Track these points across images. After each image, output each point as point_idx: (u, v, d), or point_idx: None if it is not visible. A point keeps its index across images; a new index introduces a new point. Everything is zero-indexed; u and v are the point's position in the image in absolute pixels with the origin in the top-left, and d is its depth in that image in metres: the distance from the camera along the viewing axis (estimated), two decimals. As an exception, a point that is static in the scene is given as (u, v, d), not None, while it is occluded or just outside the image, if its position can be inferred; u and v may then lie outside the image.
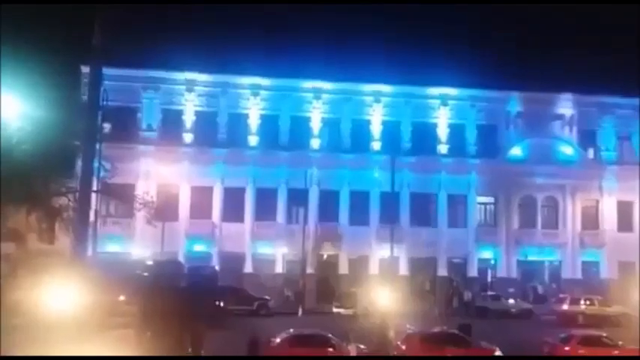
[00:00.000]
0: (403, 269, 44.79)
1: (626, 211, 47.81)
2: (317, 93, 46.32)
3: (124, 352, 16.52)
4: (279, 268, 44.65)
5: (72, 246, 11.70)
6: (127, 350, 17.94)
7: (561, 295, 39.00)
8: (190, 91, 45.36)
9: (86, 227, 12.36)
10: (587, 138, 48.77)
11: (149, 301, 23.65)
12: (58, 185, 26.13)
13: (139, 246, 40.94)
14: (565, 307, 36.72)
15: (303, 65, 44.87)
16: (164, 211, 37.11)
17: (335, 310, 36.81)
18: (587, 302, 36.78)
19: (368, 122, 46.73)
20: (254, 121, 45.75)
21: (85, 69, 24.84)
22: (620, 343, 25.00)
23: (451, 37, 53.21)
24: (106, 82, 29.48)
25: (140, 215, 34.32)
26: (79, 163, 13.03)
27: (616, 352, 24.36)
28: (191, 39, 45.17)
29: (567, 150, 47.84)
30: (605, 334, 25.83)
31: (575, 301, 36.88)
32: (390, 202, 38.23)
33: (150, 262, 35.57)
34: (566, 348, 24.41)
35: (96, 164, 23.49)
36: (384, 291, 28.32)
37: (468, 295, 40.61)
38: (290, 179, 44.78)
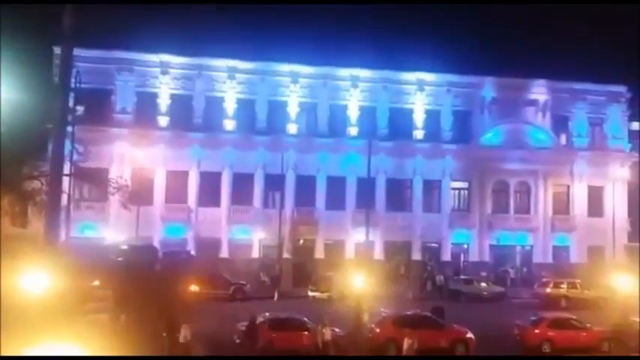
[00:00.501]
0: (378, 253, 45.20)
1: (597, 196, 48.79)
2: (294, 77, 46.12)
3: (99, 337, 16.45)
4: (255, 253, 44.70)
5: (44, 230, 11.53)
6: (102, 334, 17.87)
7: (544, 279, 39.69)
8: (165, 73, 44.77)
9: (58, 211, 12.18)
10: (560, 124, 49.51)
11: (123, 286, 23.62)
12: (30, 168, 25.74)
13: (113, 230, 40.58)
14: (548, 290, 37.49)
15: (280, 48, 44.65)
16: (139, 195, 36.78)
17: (311, 294, 37.02)
18: (570, 285, 37.61)
19: (345, 107, 46.77)
20: (230, 105, 45.41)
21: (57, 50, 24.30)
22: (589, 325, 25.67)
23: (428, 23, 53.35)
24: (80, 64, 29.06)
25: (114, 199, 33.95)
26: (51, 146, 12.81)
27: (584, 334, 25.06)
28: (166, 20, 44.52)
29: (540, 135, 48.53)
30: (574, 317, 26.48)
31: (557, 285, 37.70)
32: (366, 187, 38.41)
33: (124, 247, 35.37)
34: (536, 330, 25.03)
35: (68, 147, 23.16)
36: (359, 275, 28.56)
37: (440, 279, 41.19)
38: (267, 163, 44.69)
